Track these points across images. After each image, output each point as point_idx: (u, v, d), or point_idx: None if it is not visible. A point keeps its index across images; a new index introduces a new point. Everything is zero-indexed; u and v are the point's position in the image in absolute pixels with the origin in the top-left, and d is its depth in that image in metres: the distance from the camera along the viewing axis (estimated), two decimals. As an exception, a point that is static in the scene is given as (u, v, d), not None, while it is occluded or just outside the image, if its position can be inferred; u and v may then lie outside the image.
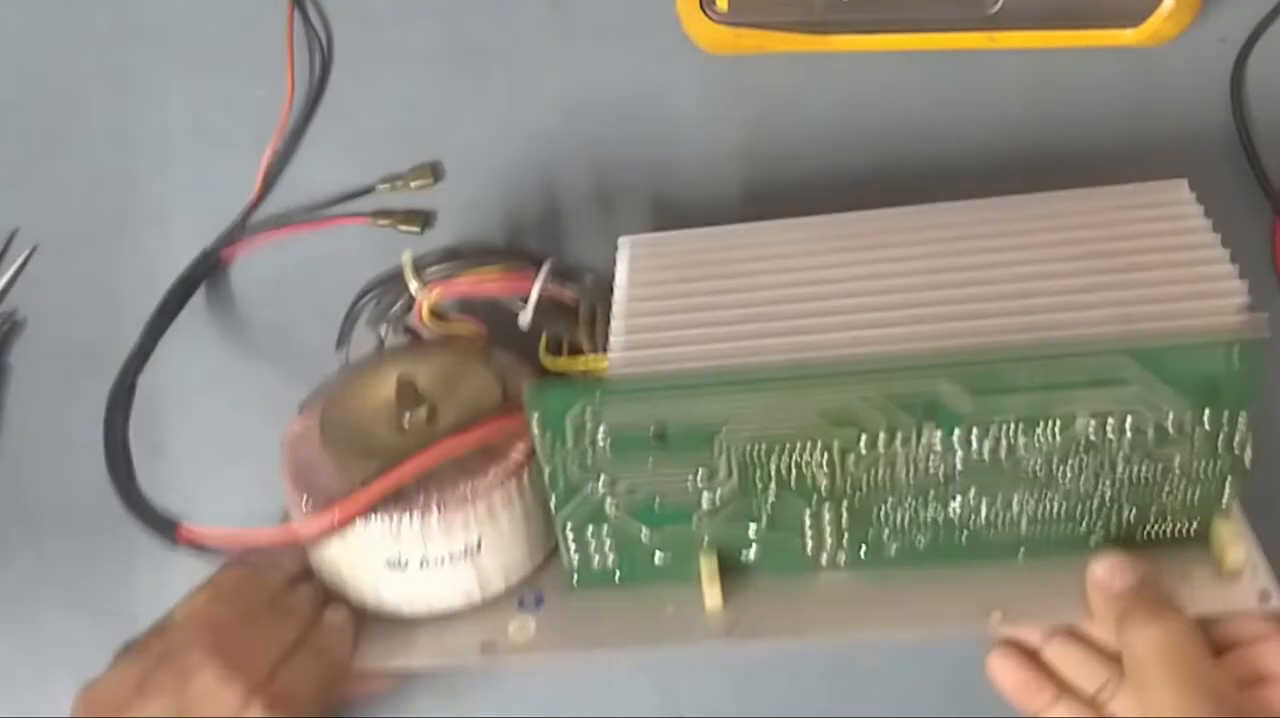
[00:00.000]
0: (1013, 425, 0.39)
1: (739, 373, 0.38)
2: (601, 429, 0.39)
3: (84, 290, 0.51)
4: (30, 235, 0.51)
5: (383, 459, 0.40)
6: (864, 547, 0.42)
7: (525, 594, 0.43)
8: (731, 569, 0.42)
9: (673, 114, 0.47)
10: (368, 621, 0.43)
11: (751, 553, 0.42)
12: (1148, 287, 0.38)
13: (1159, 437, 0.39)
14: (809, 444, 0.39)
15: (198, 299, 0.49)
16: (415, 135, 0.49)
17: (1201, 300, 0.38)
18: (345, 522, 0.40)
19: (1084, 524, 0.41)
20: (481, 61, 0.48)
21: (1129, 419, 0.38)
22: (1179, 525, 0.41)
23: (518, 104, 0.48)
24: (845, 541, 0.42)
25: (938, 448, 0.39)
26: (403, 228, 0.48)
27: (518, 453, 0.41)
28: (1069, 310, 0.38)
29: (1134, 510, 0.41)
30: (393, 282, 0.45)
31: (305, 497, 0.41)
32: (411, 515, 0.40)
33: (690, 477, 0.40)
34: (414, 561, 0.41)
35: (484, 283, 0.44)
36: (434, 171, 0.48)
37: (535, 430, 0.39)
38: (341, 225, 0.49)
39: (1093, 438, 0.39)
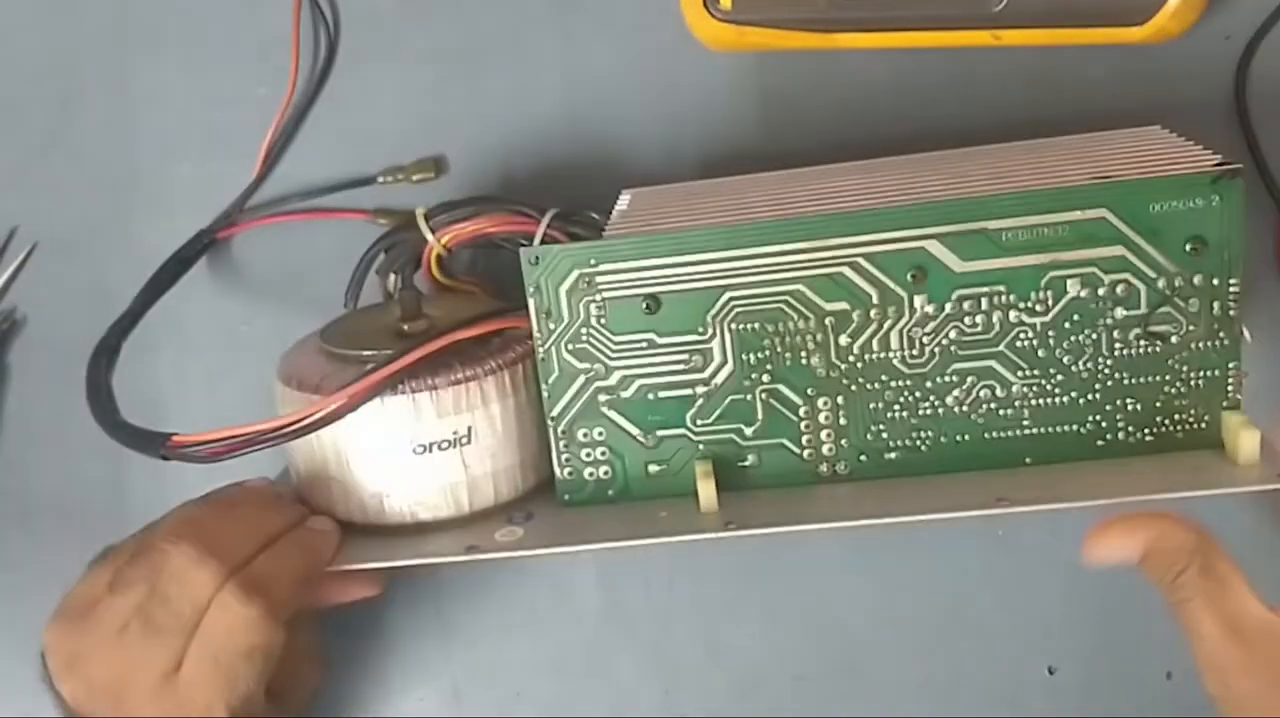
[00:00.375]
0: (1004, 294, 0.39)
1: (729, 231, 0.39)
2: (596, 302, 0.40)
3: (84, 289, 0.51)
4: (30, 233, 0.51)
5: (383, 356, 0.40)
6: (863, 455, 0.41)
7: (515, 513, 0.42)
8: (729, 484, 0.41)
9: (676, 111, 0.49)
10: (354, 529, 0.42)
11: (748, 461, 0.41)
12: (1125, 158, 0.40)
13: (1152, 303, 0.39)
14: (801, 323, 0.39)
15: (194, 288, 0.50)
16: (417, 130, 0.50)
17: (1178, 165, 0.39)
18: (352, 405, 0.39)
19: (1089, 421, 0.40)
20: (484, 58, 0.50)
21: (1119, 288, 0.39)
22: (1186, 423, 0.40)
23: (520, 101, 0.49)
24: (843, 443, 0.41)
25: (930, 313, 0.39)
26: (402, 228, 0.50)
27: (516, 351, 0.41)
28: (1050, 176, 0.39)
29: (1138, 405, 0.40)
30: (403, 234, 0.47)
31: (302, 393, 0.41)
32: (405, 393, 0.40)
33: (684, 363, 0.40)
34: (404, 445, 0.40)
35: (491, 226, 0.46)
36: (437, 165, 0.49)
37: (531, 302, 0.40)
38: (341, 219, 0.50)
39: (1083, 296, 0.39)
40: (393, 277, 0.47)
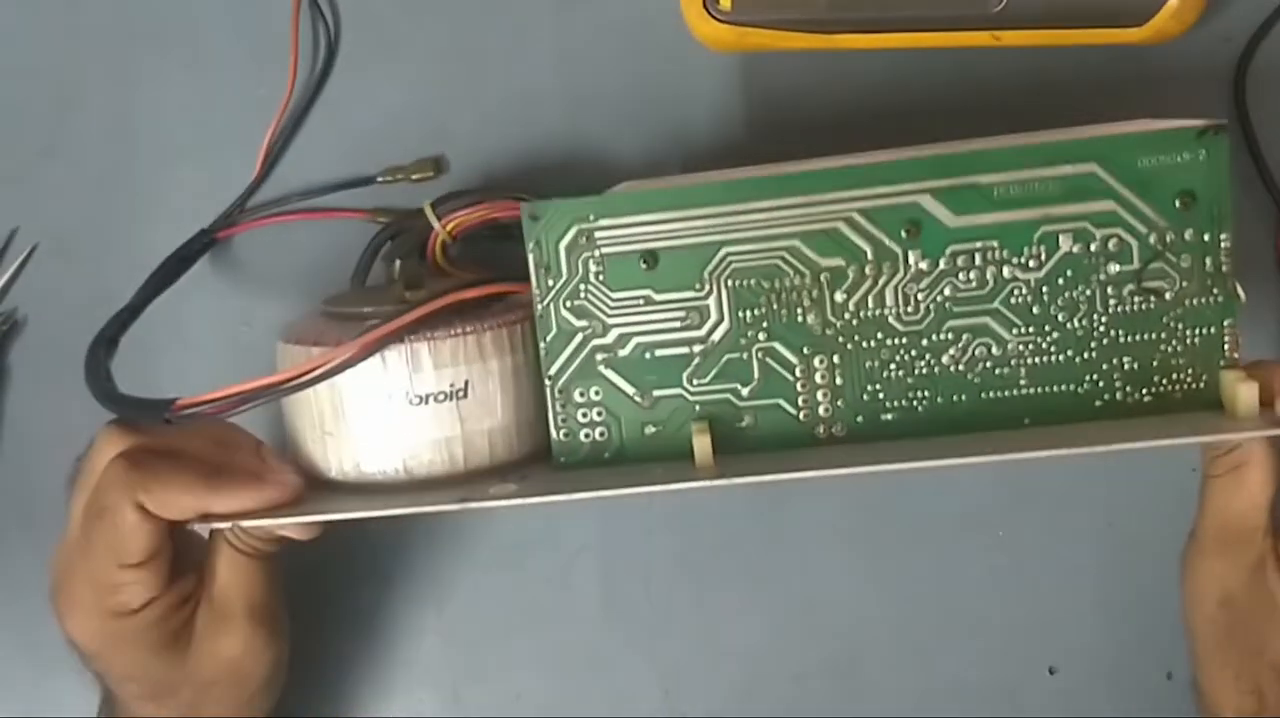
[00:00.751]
0: (997, 249, 0.39)
1: (726, 185, 0.40)
2: (594, 258, 0.40)
3: (84, 290, 0.51)
4: (30, 234, 0.51)
5: (386, 311, 0.41)
6: (859, 416, 0.41)
7: (509, 474, 0.41)
8: (725, 447, 0.40)
9: (676, 112, 0.49)
10: (346, 487, 0.41)
11: (744, 422, 0.41)
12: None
13: (1145, 258, 0.39)
14: (797, 279, 0.40)
15: (194, 289, 0.50)
16: (416, 130, 0.50)
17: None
18: (357, 358, 0.39)
19: (1086, 380, 0.40)
20: (484, 58, 0.50)
21: (1111, 243, 0.39)
22: (1184, 382, 0.40)
23: (520, 101, 0.49)
24: (840, 404, 0.40)
25: (924, 269, 0.39)
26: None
27: (518, 314, 0.42)
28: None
29: (1135, 363, 0.40)
30: (409, 223, 0.48)
31: (301, 347, 0.41)
32: (404, 344, 0.40)
33: (681, 320, 0.40)
34: (400, 397, 0.40)
35: (495, 212, 0.47)
36: (437, 165, 0.50)
37: (530, 258, 0.40)
38: (341, 219, 0.50)
39: (1075, 251, 0.39)
40: (398, 262, 0.47)
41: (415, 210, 0.48)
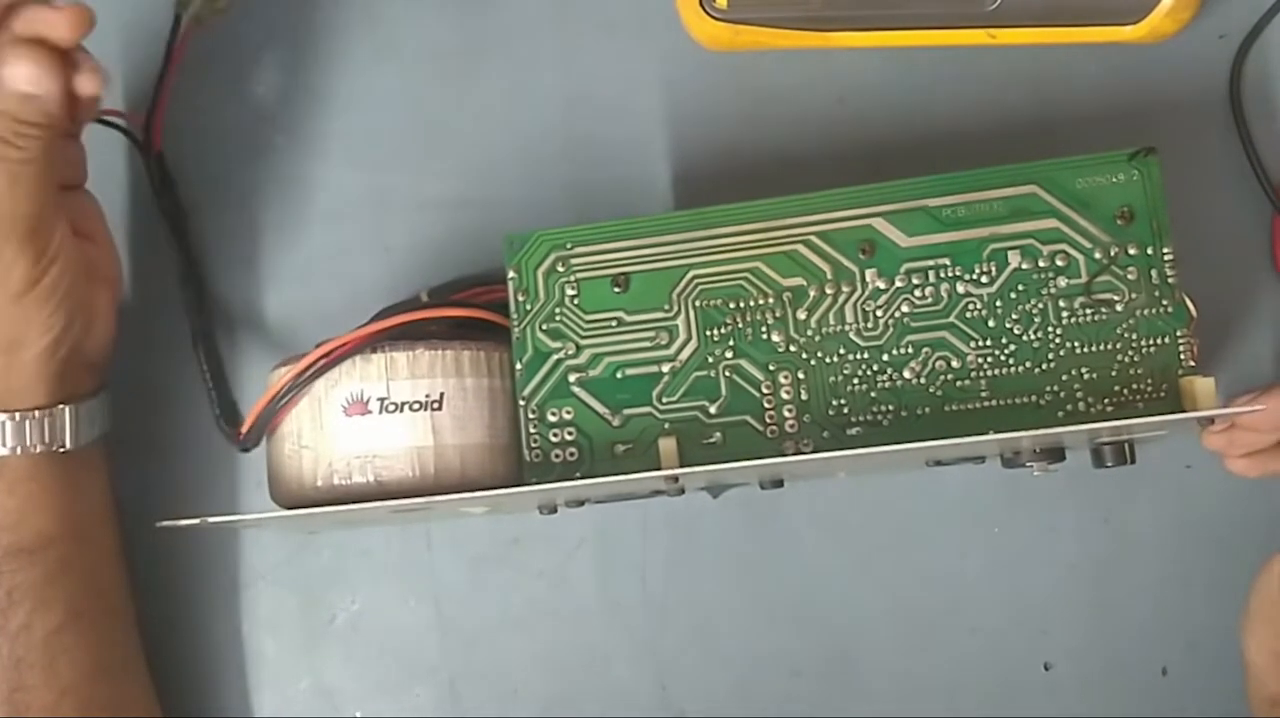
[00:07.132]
0: (949, 267, 0.41)
1: (693, 214, 0.42)
2: (570, 282, 0.42)
3: None
4: None
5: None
6: (825, 431, 0.41)
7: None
8: (694, 463, 0.41)
9: (672, 111, 0.49)
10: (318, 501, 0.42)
11: (713, 439, 0.41)
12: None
13: (1092, 272, 0.41)
14: (760, 299, 0.42)
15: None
16: (413, 131, 0.50)
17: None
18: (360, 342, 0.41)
19: (1047, 391, 0.40)
20: (479, 57, 0.50)
21: (1057, 258, 0.41)
22: (1145, 392, 0.40)
23: (515, 100, 0.50)
24: (806, 419, 0.41)
25: (881, 287, 0.41)
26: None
27: (501, 345, 0.43)
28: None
29: (1094, 374, 0.40)
30: (405, 305, 0.50)
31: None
32: (383, 352, 0.42)
33: (651, 340, 0.42)
34: (375, 404, 0.41)
35: (491, 292, 0.49)
36: None
37: (510, 284, 0.43)
38: None
39: (1025, 268, 0.41)
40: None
41: (412, 298, 0.51)
